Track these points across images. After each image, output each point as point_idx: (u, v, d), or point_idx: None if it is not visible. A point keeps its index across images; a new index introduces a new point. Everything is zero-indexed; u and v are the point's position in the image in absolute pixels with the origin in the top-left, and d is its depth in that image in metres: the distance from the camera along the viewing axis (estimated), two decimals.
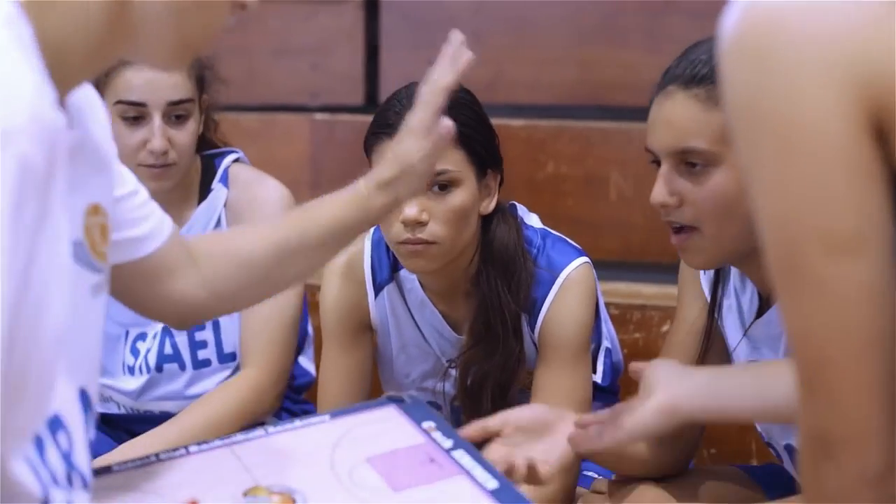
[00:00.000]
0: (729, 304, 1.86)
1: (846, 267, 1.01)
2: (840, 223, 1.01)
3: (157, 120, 2.20)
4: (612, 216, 3.01)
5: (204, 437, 2.11)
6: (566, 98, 3.28)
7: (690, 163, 1.67)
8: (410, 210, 1.90)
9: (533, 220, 2.10)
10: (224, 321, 2.34)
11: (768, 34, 1.02)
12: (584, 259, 2.02)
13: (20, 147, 0.99)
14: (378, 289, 2.09)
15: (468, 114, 1.95)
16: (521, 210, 2.10)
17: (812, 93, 1.00)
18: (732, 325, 1.86)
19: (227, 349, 2.35)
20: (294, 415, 2.42)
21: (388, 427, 1.50)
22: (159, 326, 2.34)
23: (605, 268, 2.95)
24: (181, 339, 2.34)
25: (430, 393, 2.12)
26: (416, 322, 2.09)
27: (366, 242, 2.10)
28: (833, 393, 1.03)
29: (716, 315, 1.86)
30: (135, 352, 2.35)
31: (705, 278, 1.89)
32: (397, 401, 1.55)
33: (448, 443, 1.45)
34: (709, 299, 1.87)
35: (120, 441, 2.33)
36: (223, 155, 2.38)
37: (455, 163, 1.92)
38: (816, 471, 1.06)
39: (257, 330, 2.28)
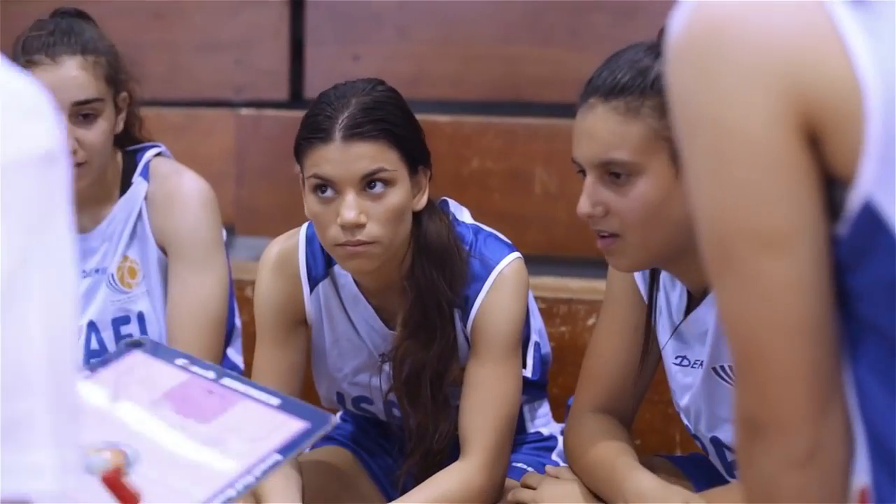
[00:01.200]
0: (658, 302, 1.90)
1: (775, 262, 1.05)
2: (769, 222, 1.05)
3: (62, 121, 2.19)
4: (536, 211, 3.04)
5: None
6: (491, 94, 3.30)
7: (614, 173, 1.70)
8: (349, 213, 1.89)
9: (465, 215, 2.11)
10: (149, 314, 2.34)
11: (709, 37, 1.06)
12: (516, 254, 2.04)
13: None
14: (313, 284, 2.09)
15: (396, 112, 1.95)
16: (453, 206, 2.11)
17: (744, 96, 1.04)
18: (662, 322, 1.90)
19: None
20: None
21: (150, 372, 1.51)
22: (84, 321, 2.34)
23: (531, 262, 2.96)
24: (107, 333, 2.34)
25: (363, 388, 2.12)
26: (349, 317, 2.09)
27: (300, 238, 2.09)
28: (762, 380, 1.08)
29: (653, 315, 1.90)
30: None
31: (640, 276, 1.92)
32: (137, 345, 1.55)
33: (211, 373, 1.48)
34: (646, 300, 1.91)
35: None
36: (145, 150, 2.38)
37: (390, 162, 1.92)
38: (748, 453, 1.11)
39: (183, 324, 2.28)
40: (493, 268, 2.00)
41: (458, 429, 2.01)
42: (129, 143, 2.37)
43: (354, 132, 1.89)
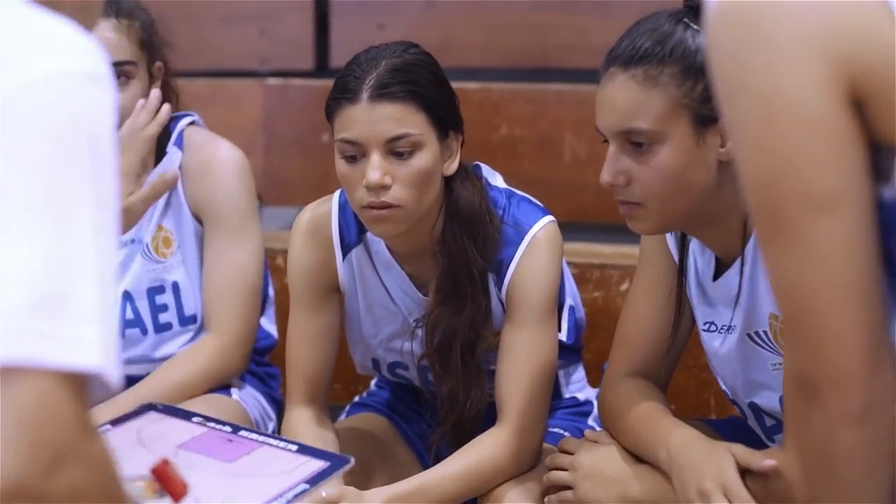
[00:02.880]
0: (688, 264, 1.90)
1: (824, 223, 1.07)
2: (817, 184, 1.07)
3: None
4: (566, 178, 3.03)
5: (169, 402, 2.12)
6: (518, 61, 3.29)
7: (635, 142, 1.70)
8: (373, 175, 1.89)
9: (497, 180, 2.09)
10: (184, 284, 2.34)
11: (753, 4, 1.07)
12: (550, 218, 2.03)
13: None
14: (346, 251, 2.08)
15: (427, 76, 1.94)
16: (486, 170, 2.10)
17: (791, 62, 1.06)
18: (691, 287, 1.90)
19: (188, 312, 2.34)
20: (259, 378, 2.41)
21: (168, 425, 1.54)
22: (118, 291, 2.34)
23: (561, 228, 2.96)
24: (142, 303, 2.34)
25: (397, 353, 2.12)
26: (383, 283, 2.09)
27: (332, 204, 2.09)
28: (815, 339, 1.10)
29: (684, 278, 1.89)
30: None
31: (672, 241, 1.91)
32: (152, 407, 1.61)
33: (227, 428, 1.55)
34: (676, 261, 1.90)
35: None
36: (178, 119, 2.37)
37: (417, 126, 1.91)
38: (801, 413, 1.13)
39: (220, 293, 2.28)
40: (527, 231, 1.99)
41: (494, 394, 2.00)
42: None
43: (381, 92, 1.89)
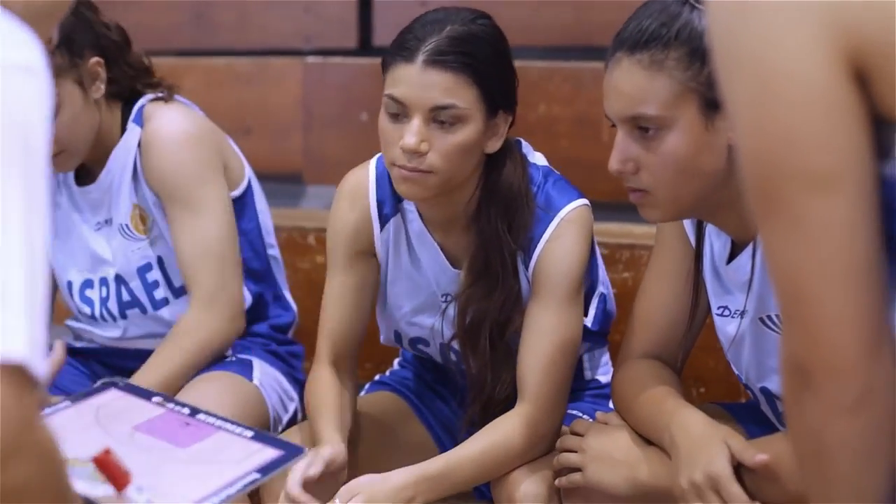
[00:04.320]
0: (704, 248, 1.88)
1: (823, 203, 1.03)
2: (816, 161, 1.03)
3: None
4: (604, 157, 2.97)
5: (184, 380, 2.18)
6: (561, 40, 3.26)
7: (643, 128, 1.68)
8: (411, 139, 1.87)
9: (537, 158, 2.07)
10: (167, 257, 2.34)
11: None
12: (583, 201, 2.00)
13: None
14: (384, 222, 2.07)
15: (487, 50, 1.91)
16: (526, 147, 2.08)
17: (789, 35, 1.02)
18: (706, 268, 1.88)
19: (177, 283, 2.36)
20: (281, 358, 2.42)
21: (127, 404, 1.56)
22: (108, 273, 2.36)
23: (598, 208, 2.92)
24: (135, 283, 2.36)
25: (421, 329, 2.11)
26: (415, 254, 2.08)
27: (370, 172, 2.07)
28: (810, 323, 1.06)
29: (700, 262, 1.87)
30: (87, 301, 2.39)
31: (689, 224, 1.89)
32: (113, 384, 1.61)
33: (185, 409, 1.55)
34: (693, 244, 1.88)
35: (93, 376, 2.38)
36: (143, 97, 2.33)
37: (465, 99, 1.89)
38: (797, 400, 1.08)
39: (193, 266, 2.27)
40: (559, 212, 1.97)
41: (516, 373, 2.00)
42: (127, 97, 2.33)
43: (436, 59, 1.86)
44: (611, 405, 2.15)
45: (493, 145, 1.96)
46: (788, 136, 1.03)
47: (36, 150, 1.02)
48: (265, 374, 2.37)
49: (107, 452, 1.34)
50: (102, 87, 2.26)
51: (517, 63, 3.10)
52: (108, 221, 2.35)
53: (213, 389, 2.23)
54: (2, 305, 0.96)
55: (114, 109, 2.32)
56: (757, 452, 1.63)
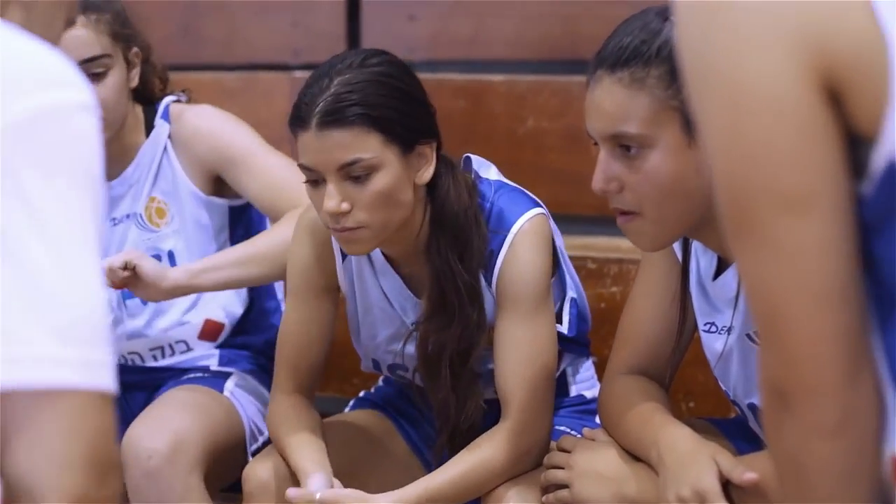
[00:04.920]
0: (690, 266, 1.87)
1: (796, 223, 1.02)
2: (789, 181, 1.01)
3: None
4: (593, 171, 2.98)
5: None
6: (549, 53, 3.26)
7: (625, 146, 1.66)
8: (329, 203, 1.86)
9: (490, 172, 2.06)
10: (179, 252, 2.39)
11: None
12: (538, 210, 1.99)
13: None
14: (345, 254, 2.07)
15: (379, 92, 1.89)
16: (477, 162, 2.06)
17: (759, 52, 1.00)
18: (692, 285, 1.86)
19: None
20: (267, 372, 2.40)
21: None
22: None
23: (587, 222, 2.94)
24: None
25: (398, 355, 2.10)
26: (380, 285, 2.07)
27: None
28: (787, 346, 1.04)
29: (688, 277, 1.86)
30: None
31: None
32: None
33: None
34: (680, 260, 1.87)
35: None
36: (164, 100, 2.45)
37: (368, 149, 1.87)
38: (776, 422, 1.07)
39: (277, 203, 2.33)
40: (512, 225, 1.96)
41: (496, 390, 1.98)
42: (145, 101, 2.44)
43: (327, 119, 1.85)
44: (597, 421, 2.14)
45: (424, 176, 1.94)
46: (760, 156, 1.02)
47: (97, 182, 1.08)
48: (241, 387, 2.37)
49: None
50: (136, 78, 2.38)
51: (506, 77, 3.13)
52: (129, 216, 2.41)
53: (182, 403, 2.24)
54: (93, 339, 1.05)
55: (136, 109, 2.42)
56: (746, 470, 1.62)
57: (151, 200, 2.40)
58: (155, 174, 2.39)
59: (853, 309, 1.03)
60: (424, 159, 1.93)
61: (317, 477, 1.91)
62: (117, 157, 2.38)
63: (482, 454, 1.93)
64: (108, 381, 1.07)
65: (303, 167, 1.90)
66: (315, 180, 1.89)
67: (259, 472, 2.02)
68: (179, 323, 2.43)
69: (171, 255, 2.40)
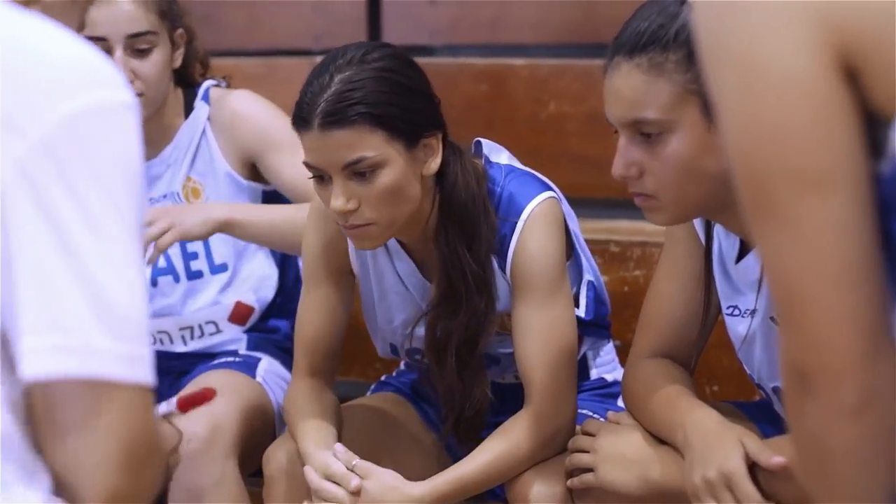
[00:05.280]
0: (713, 249, 1.86)
1: (815, 203, 1.01)
2: (806, 161, 1.01)
3: (118, 52, 2.30)
4: (615, 154, 2.98)
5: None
6: (570, 37, 3.25)
7: (645, 132, 1.66)
8: (336, 202, 1.85)
9: (501, 156, 2.05)
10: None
11: None
12: (549, 194, 1.97)
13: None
14: None
15: (381, 88, 1.86)
16: (488, 146, 2.05)
17: (777, 32, 1.00)
18: (715, 268, 1.86)
19: (218, 260, 2.43)
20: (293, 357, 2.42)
21: None
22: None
23: (610, 206, 2.93)
24: (174, 250, 2.42)
25: (415, 339, 2.09)
26: (395, 269, 2.07)
27: None
28: (807, 326, 1.04)
29: (711, 260, 1.86)
30: None
31: (699, 222, 1.87)
32: None
33: None
34: (703, 242, 1.86)
35: None
36: (204, 83, 2.48)
37: (372, 147, 1.85)
38: (797, 404, 1.07)
39: (298, 194, 2.34)
40: (523, 209, 1.95)
41: (519, 375, 1.98)
42: (185, 84, 2.46)
43: (328, 120, 1.83)
44: (619, 403, 2.14)
45: (432, 167, 1.93)
46: (777, 136, 1.01)
47: (139, 179, 1.12)
48: (270, 372, 2.38)
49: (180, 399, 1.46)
50: (180, 59, 2.41)
51: (527, 61, 3.12)
52: (166, 196, 2.43)
53: (218, 387, 2.24)
54: (138, 336, 1.09)
55: (177, 91, 2.44)
56: (773, 454, 1.61)
57: (188, 180, 2.42)
58: (193, 155, 2.41)
59: (872, 289, 1.03)
60: (430, 150, 1.92)
61: (339, 447, 1.93)
62: (156, 138, 2.41)
63: (509, 441, 1.93)
64: (148, 375, 1.10)
65: (308, 165, 1.89)
66: (321, 177, 1.89)
67: (279, 454, 2.03)
68: (213, 303, 2.44)
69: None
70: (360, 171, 1.85)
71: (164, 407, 1.47)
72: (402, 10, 3.40)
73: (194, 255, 2.43)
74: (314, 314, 2.08)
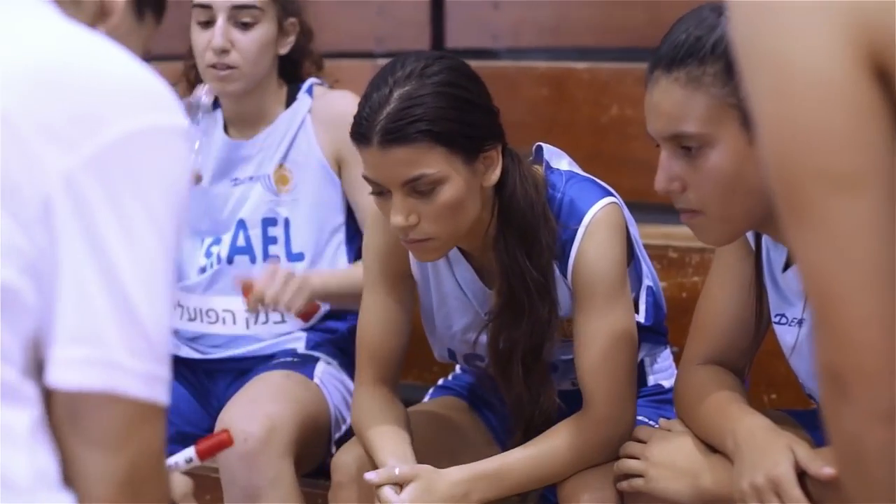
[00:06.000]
0: (762, 257, 1.85)
1: (847, 203, 1.01)
2: (839, 161, 1.01)
3: (220, 21, 2.35)
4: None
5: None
6: (632, 41, 3.24)
7: (686, 146, 1.65)
8: (396, 218, 1.85)
9: (562, 162, 2.04)
10: (294, 221, 2.44)
11: None
12: (611, 199, 1.97)
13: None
14: None
15: (443, 104, 1.85)
16: (549, 152, 2.04)
17: (810, 33, 1.01)
18: (764, 275, 1.85)
19: (296, 248, 2.45)
20: (351, 359, 2.43)
21: None
22: (233, 228, 2.45)
23: (669, 212, 2.90)
24: (255, 231, 2.45)
25: (471, 345, 2.09)
26: (454, 275, 2.07)
27: None
28: (840, 328, 1.04)
29: (762, 267, 1.84)
30: (208, 254, 2.48)
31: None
32: None
33: None
34: (754, 249, 1.85)
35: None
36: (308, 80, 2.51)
37: (432, 164, 1.84)
38: (833, 408, 1.06)
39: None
40: (584, 215, 1.94)
41: (579, 383, 1.98)
42: (289, 77, 2.50)
43: (388, 138, 1.82)
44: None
45: (491, 178, 1.92)
46: (810, 136, 1.02)
47: (182, 203, 1.14)
48: (328, 373, 2.39)
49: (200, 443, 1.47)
50: (289, 47, 2.45)
51: (589, 64, 3.11)
52: (252, 178, 2.46)
53: (276, 387, 2.26)
54: (161, 358, 1.12)
55: (281, 83, 2.49)
56: (824, 464, 1.60)
57: (280, 167, 2.45)
58: (289, 143, 2.44)
59: None
60: (490, 162, 1.91)
61: (399, 463, 1.93)
62: (252, 120, 2.46)
63: (558, 440, 1.93)
64: (164, 396, 1.13)
65: (368, 179, 1.89)
66: (380, 192, 1.89)
67: (348, 460, 2.03)
68: None
69: (286, 223, 2.44)
70: (420, 189, 1.85)
71: (182, 458, 1.49)
72: (465, 13, 3.40)
73: (273, 240, 2.45)
74: (376, 321, 2.08)
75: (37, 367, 1.12)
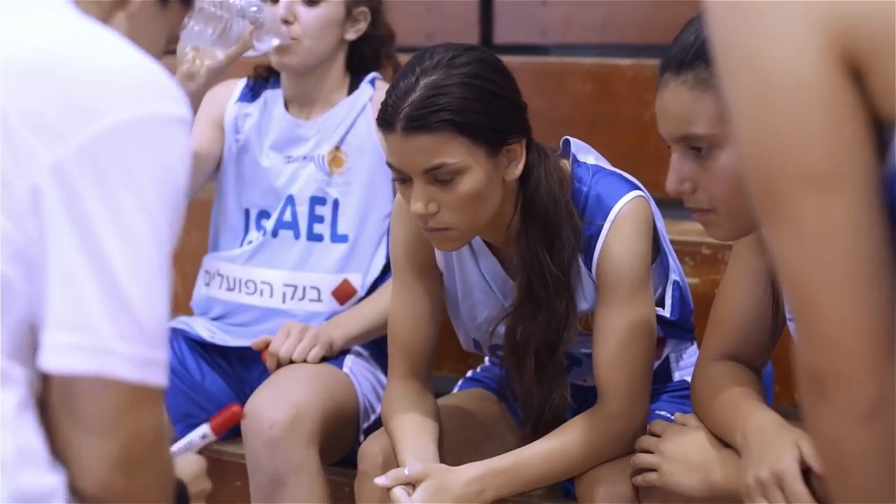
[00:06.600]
0: None
1: (822, 203, 1.01)
2: (814, 161, 1.01)
3: None
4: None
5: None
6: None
7: (695, 147, 1.66)
8: (416, 205, 1.86)
9: (588, 157, 2.04)
10: (343, 204, 2.46)
11: None
12: (636, 193, 1.97)
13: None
14: None
15: (469, 94, 1.86)
16: (576, 146, 2.04)
17: (783, 32, 1.01)
18: None
19: (341, 230, 2.47)
20: (382, 350, 2.44)
21: None
22: (284, 194, 2.48)
23: None
24: (302, 208, 2.48)
25: (498, 336, 2.10)
26: (479, 267, 2.07)
27: None
28: (818, 329, 1.04)
29: None
30: (260, 228, 2.52)
31: None
32: None
33: None
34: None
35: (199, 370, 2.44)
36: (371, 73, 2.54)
37: (454, 154, 1.85)
38: (813, 409, 1.07)
39: None
40: (611, 209, 1.95)
41: (594, 376, 1.98)
42: (356, 68, 2.53)
43: (412, 125, 1.83)
44: None
45: (514, 172, 1.93)
46: (785, 136, 1.02)
47: (181, 192, 1.16)
48: (357, 363, 2.41)
49: (215, 419, 1.48)
50: (356, 34, 2.48)
51: (633, 61, 3.10)
52: (305, 157, 2.49)
53: (303, 375, 2.28)
54: (154, 341, 1.14)
55: (346, 73, 2.52)
56: None
57: (336, 150, 2.47)
58: (348, 127, 2.47)
59: (883, 290, 1.02)
60: (513, 156, 1.92)
61: (412, 462, 1.93)
62: (311, 101, 2.50)
63: (573, 435, 1.94)
64: (160, 379, 1.15)
65: (391, 166, 1.91)
66: (403, 179, 1.90)
67: (374, 450, 2.04)
68: (324, 271, 2.48)
69: (335, 204, 2.47)
70: (441, 178, 1.86)
71: (197, 435, 1.50)
72: (513, 9, 3.41)
73: (320, 219, 2.47)
74: (404, 315, 2.09)
75: (31, 350, 1.14)
